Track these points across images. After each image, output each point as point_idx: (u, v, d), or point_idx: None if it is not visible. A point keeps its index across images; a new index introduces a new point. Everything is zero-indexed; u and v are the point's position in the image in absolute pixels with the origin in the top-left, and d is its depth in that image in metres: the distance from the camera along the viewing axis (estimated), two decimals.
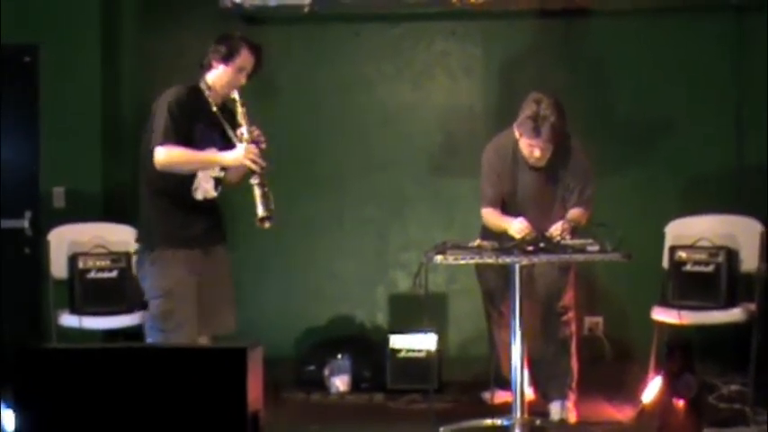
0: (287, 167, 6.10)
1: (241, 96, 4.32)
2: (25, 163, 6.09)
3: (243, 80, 4.35)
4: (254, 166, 4.22)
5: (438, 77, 6.25)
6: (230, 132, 4.34)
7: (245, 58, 4.33)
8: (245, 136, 4.26)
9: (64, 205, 6.03)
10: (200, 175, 4.34)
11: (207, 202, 4.40)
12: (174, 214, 4.33)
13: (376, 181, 6.25)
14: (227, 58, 4.32)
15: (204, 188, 4.37)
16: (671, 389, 4.32)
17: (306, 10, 5.83)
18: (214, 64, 4.35)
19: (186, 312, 4.29)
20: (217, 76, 4.35)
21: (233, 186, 4.49)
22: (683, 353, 4.35)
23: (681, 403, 4.23)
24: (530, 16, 6.07)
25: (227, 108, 4.39)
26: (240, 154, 4.23)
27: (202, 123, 4.33)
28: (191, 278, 4.31)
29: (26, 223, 6.05)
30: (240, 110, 4.30)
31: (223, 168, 4.41)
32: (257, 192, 4.21)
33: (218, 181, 4.43)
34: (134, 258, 4.50)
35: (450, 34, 6.22)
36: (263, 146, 4.29)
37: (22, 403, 2.88)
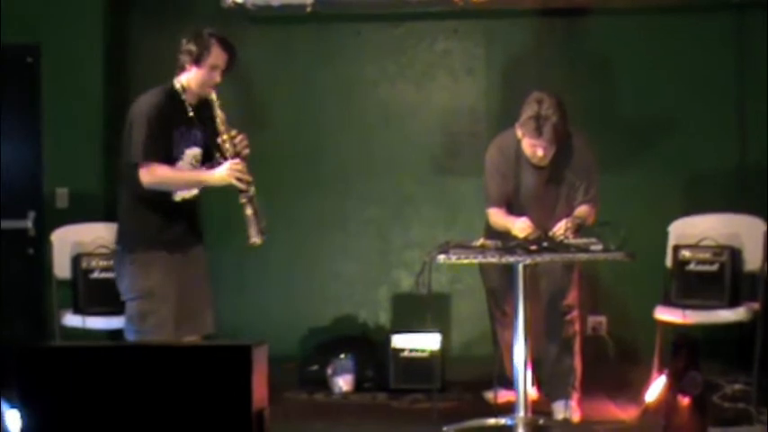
0: (289, 168, 6.13)
1: (218, 96, 4.28)
2: (28, 164, 6.09)
3: (217, 78, 4.30)
4: (241, 185, 4.20)
5: (440, 77, 6.25)
6: (212, 135, 4.31)
7: (216, 55, 4.28)
8: (229, 148, 4.23)
9: (67, 206, 6.04)
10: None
11: (186, 203, 4.39)
12: (153, 217, 4.32)
13: (378, 181, 6.25)
14: (198, 59, 4.27)
15: (181, 191, 4.37)
16: (676, 386, 4.30)
17: (308, 9, 5.82)
18: (187, 66, 4.31)
19: (164, 314, 4.27)
20: (191, 78, 4.32)
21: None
22: (688, 350, 4.34)
23: (686, 401, 4.22)
24: (532, 15, 6.07)
25: (206, 104, 4.33)
26: (225, 173, 4.20)
27: (181, 126, 4.31)
28: (170, 280, 4.30)
29: (29, 224, 6.05)
30: (219, 115, 4.26)
31: (211, 165, 4.38)
32: (248, 211, 4.20)
33: None
34: (115, 259, 4.47)
35: (453, 33, 6.23)
36: (247, 151, 4.26)
37: (27, 403, 2.88)
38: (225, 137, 4.25)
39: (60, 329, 5.43)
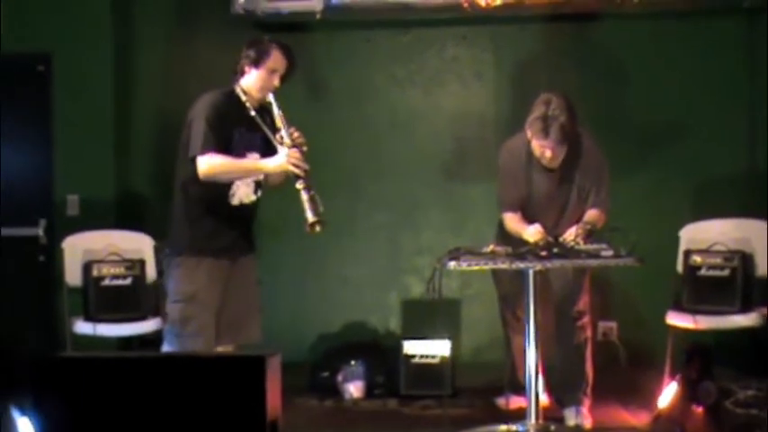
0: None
1: (277, 99, 4.31)
2: (39, 171, 6.12)
3: (276, 82, 4.34)
4: (297, 171, 4.19)
5: (449, 83, 6.26)
6: (270, 135, 4.33)
7: (275, 59, 4.33)
8: (286, 140, 4.25)
9: (78, 213, 6.06)
10: (238, 181, 4.35)
11: (242, 208, 4.40)
12: (206, 223, 4.33)
13: (388, 186, 6.26)
14: (257, 62, 4.32)
15: (241, 194, 4.37)
16: (690, 395, 4.30)
17: (317, 17, 5.83)
18: (246, 69, 4.35)
19: (205, 320, 4.30)
20: (250, 81, 4.36)
21: (276, 188, 4.45)
22: (701, 359, 4.34)
23: (700, 410, 4.22)
24: (540, 20, 6.07)
25: (266, 111, 4.37)
26: (282, 160, 4.21)
27: (241, 128, 4.33)
28: (214, 286, 4.32)
29: (40, 231, 6.07)
30: (277, 113, 4.29)
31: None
32: (304, 196, 4.17)
33: (258, 185, 4.43)
34: (165, 261, 4.49)
35: (461, 39, 6.23)
36: (305, 148, 4.27)
37: (42, 413, 2.87)
38: (283, 132, 4.26)
39: (71, 337, 5.44)
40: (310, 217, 4.15)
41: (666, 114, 6.07)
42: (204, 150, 4.20)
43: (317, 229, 4.18)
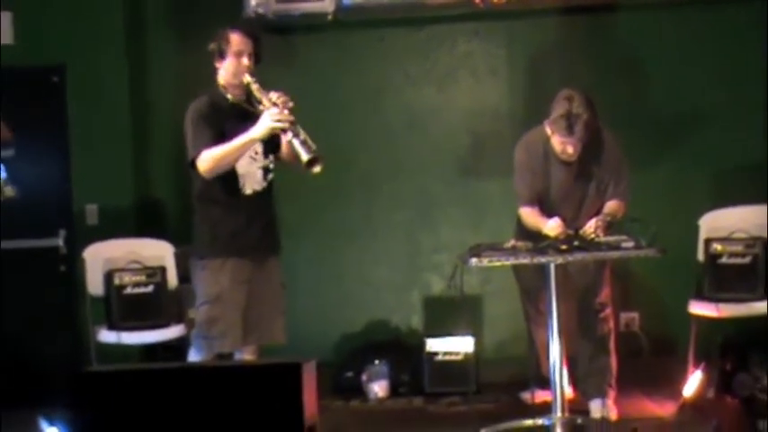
0: (315, 174, 6.13)
1: (253, 76, 4.32)
2: (57, 182, 6.14)
3: (246, 62, 4.36)
4: (280, 125, 4.18)
5: (463, 79, 6.25)
6: (258, 110, 4.34)
7: (236, 42, 4.35)
8: (266, 103, 4.25)
9: (97, 222, 6.08)
10: (242, 171, 4.36)
11: (257, 198, 4.41)
12: (225, 222, 4.36)
13: (405, 185, 6.26)
14: (221, 53, 4.37)
15: (252, 181, 4.39)
16: (725, 387, 4.30)
17: (329, 18, 5.82)
18: (217, 65, 4.41)
19: (231, 320, 4.32)
20: (223, 73, 4.40)
21: (292, 164, 4.39)
22: (737, 351, 4.33)
23: (735, 402, 4.21)
24: (553, 13, 6.06)
25: (251, 97, 4.38)
26: (266, 121, 4.22)
27: (231, 120, 4.35)
28: (238, 287, 4.34)
29: (61, 241, 6.10)
30: (254, 87, 4.31)
31: (274, 153, 4.43)
32: (295, 142, 4.15)
33: (266, 170, 4.44)
34: (191, 265, 4.52)
35: (474, 35, 6.22)
36: (290, 104, 4.25)
37: (78, 428, 2.87)
38: (264, 100, 4.27)
39: (96, 346, 5.47)
40: (304, 156, 4.11)
41: (683, 104, 6.05)
42: (197, 151, 4.25)
43: (317, 167, 4.14)
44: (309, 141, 4.15)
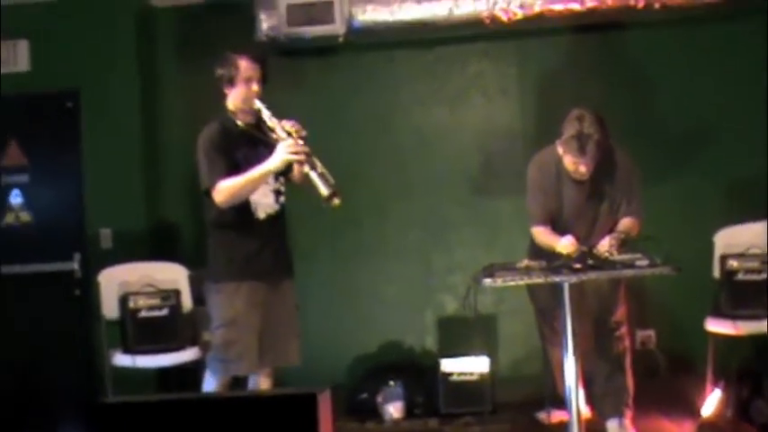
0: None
1: (263, 102, 4.34)
2: (71, 206, 6.18)
3: (255, 88, 4.38)
4: (296, 157, 4.20)
5: (474, 99, 6.26)
6: (269, 135, 4.36)
7: (244, 69, 4.38)
8: (280, 134, 4.26)
9: (111, 246, 6.10)
10: (254, 196, 4.37)
11: (270, 221, 4.42)
12: (240, 246, 4.38)
13: (417, 205, 6.26)
14: (231, 80, 4.39)
15: (264, 204, 4.41)
16: (741, 414, 4.27)
17: (340, 40, 5.85)
18: (226, 91, 4.43)
19: (247, 343, 4.33)
20: (233, 99, 4.42)
21: (304, 185, 4.39)
22: (753, 378, 4.29)
23: (752, 429, 4.18)
24: (563, 32, 6.06)
25: (260, 119, 4.40)
26: (281, 153, 4.23)
27: (243, 147, 4.37)
28: (254, 310, 4.35)
29: (75, 265, 6.13)
30: (266, 114, 4.32)
31: (285, 175, 4.44)
32: (312, 175, 4.17)
33: (277, 193, 4.46)
34: (205, 288, 4.52)
35: (484, 55, 6.23)
36: (303, 133, 4.28)
37: None
38: (276, 129, 4.28)
39: (110, 369, 5.47)
40: (324, 191, 4.13)
41: (694, 120, 6.04)
42: (213, 181, 4.26)
43: (335, 201, 4.15)
44: (327, 174, 4.17)
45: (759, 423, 4.28)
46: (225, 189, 4.26)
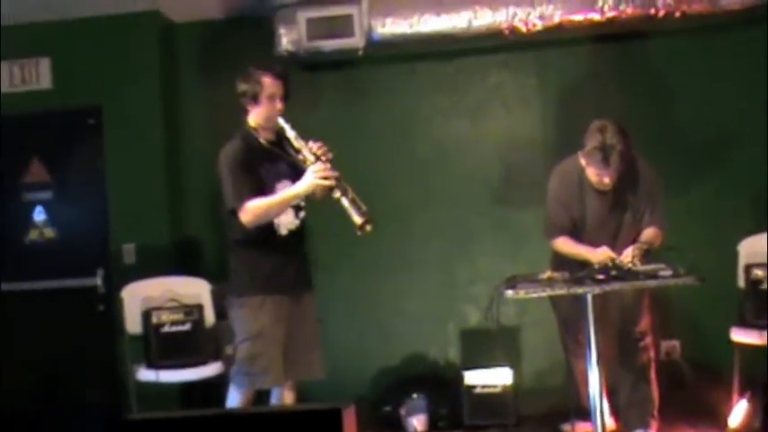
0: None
1: (287, 121, 4.35)
2: (95, 222, 6.21)
3: (279, 106, 4.39)
4: (327, 183, 4.22)
5: (494, 110, 6.25)
6: (294, 157, 4.38)
7: (269, 86, 4.38)
8: (308, 157, 4.28)
9: (134, 261, 6.13)
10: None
11: (291, 237, 4.43)
12: (263, 262, 4.39)
13: (438, 216, 6.25)
14: (254, 98, 4.40)
15: (285, 221, 4.42)
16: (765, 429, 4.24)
17: (360, 53, 5.86)
18: (249, 108, 4.43)
19: (273, 356, 4.34)
20: (256, 116, 4.43)
21: (323, 199, 4.44)
22: None
23: None
24: (582, 42, 6.04)
25: (283, 136, 4.41)
26: (310, 179, 4.25)
27: (265, 164, 4.39)
28: (278, 323, 4.37)
29: (99, 281, 6.16)
30: (292, 135, 4.33)
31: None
32: (345, 203, 4.19)
33: (297, 208, 4.47)
34: (228, 303, 4.53)
35: (504, 66, 6.23)
36: (330, 155, 4.29)
37: None
38: (303, 150, 4.29)
39: (134, 384, 5.49)
40: (357, 220, 4.16)
41: (716, 128, 6.00)
42: (240, 201, 4.27)
43: (368, 228, 4.18)
44: (358, 200, 4.19)
45: None
46: (252, 210, 4.27)
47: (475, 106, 6.25)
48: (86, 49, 6.20)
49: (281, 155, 4.42)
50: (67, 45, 6.21)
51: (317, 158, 4.27)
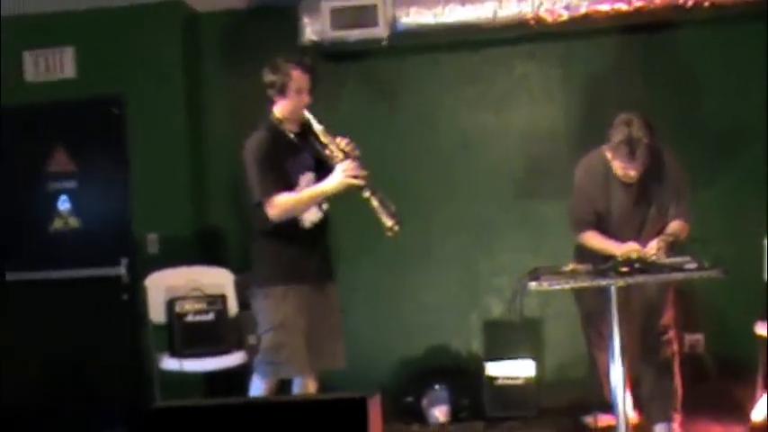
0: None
1: (313, 114, 4.35)
2: (118, 212, 6.24)
3: (306, 99, 4.39)
4: (357, 182, 4.23)
5: (519, 101, 6.22)
6: (320, 150, 4.38)
7: (297, 80, 4.38)
8: (337, 153, 4.28)
9: (158, 251, 6.15)
10: None
11: (316, 231, 4.44)
12: (286, 253, 4.39)
13: (461, 208, 6.23)
14: (282, 90, 4.38)
15: (309, 214, 4.43)
16: None
17: (384, 43, 5.84)
18: (275, 99, 4.42)
19: (297, 345, 4.35)
20: (282, 109, 4.42)
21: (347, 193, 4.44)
22: None
23: None
24: (609, 33, 6.00)
25: (307, 127, 4.41)
26: (340, 177, 4.26)
27: (290, 156, 4.39)
28: (301, 313, 4.38)
29: (123, 270, 6.19)
30: (318, 128, 4.33)
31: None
32: (374, 203, 4.21)
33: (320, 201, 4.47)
34: (251, 293, 4.55)
35: (530, 57, 6.19)
36: (357, 152, 4.30)
37: None
38: (331, 146, 4.30)
39: (158, 373, 5.52)
40: (388, 222, 4.19)
41: (743, 120, 5.95)
42: (267, 194, 4.27)
43: (397, 228, 4.22)
44: (386, 200, 4.21)
45: None
46: (280, 205, 4.28)
47: (500, 97, 6.22)
48: (110, 38, 6.22)
49: (306, 147, 4.42)
50: (91, 35, 6.23)
51: (346, 155, 4.27)
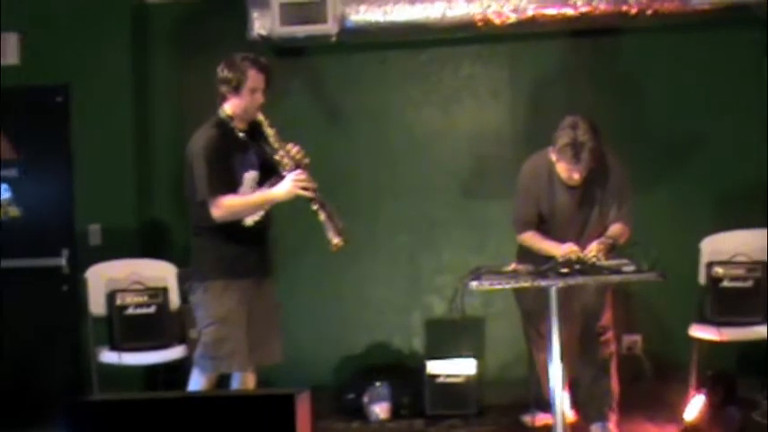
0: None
1: (265, 115, 4.33)
2: (60, 202, 6.15)
3: (260, 99, 4.37)
4: (307, 193, 4.23)
5: (465, 101, 6.25)
6: (268, 153, 4.36)
7: (253, 79, 4.35)
8: (287, 161, 4.27)
9: (100, 242, 6.08)
10: None
11: (257, 228, 4.43)
12: (227, 248, 4.37)
13: (407, 206, 6.26)
14: (237, 88, 4.34)
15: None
16: (714, 420, 4.29)
17: (333, 39, 5.85)
18: (228, 96, 4.38)
19: (238, 339, 4.34)
20: (235, 105, 4.39)
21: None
22: (725, 385, 4.32)
23: None
24: (556, 37, 6.07)
25: (257, 127, 4.39)
26: (289, 186, 4.25)
27: (237, 153, 4.37)
28: (242, 308, 4.36)
29: (63, 261, 6.11)
30: (269, 132, 4.31)
31: (270, 179, 4.42)
32: (322, 217, 4.21)
33: None
34: (191, 287, 4.51)
35: (477, 58, 6.24)
36: (306, 161, 4.29)
37: None
38: (281, 152, 4.29)
39: (97, 366, 5.47)
40: (334, 239, 4.20)
41: (685, 127, 6.04)
42: (213, 194, 4.24)
43: (341, 245, 4.23)
44: (336, 215, 4.21)
45: (732, 428, 4.31)
46: (225, 207, 4.26)
47: (446, 97, 6.25)
48: (56, 25, 6.12)
49: (253, 147, 4.41)
50: (37, 21, 6.13)
51: (296, 164, 4.26)
